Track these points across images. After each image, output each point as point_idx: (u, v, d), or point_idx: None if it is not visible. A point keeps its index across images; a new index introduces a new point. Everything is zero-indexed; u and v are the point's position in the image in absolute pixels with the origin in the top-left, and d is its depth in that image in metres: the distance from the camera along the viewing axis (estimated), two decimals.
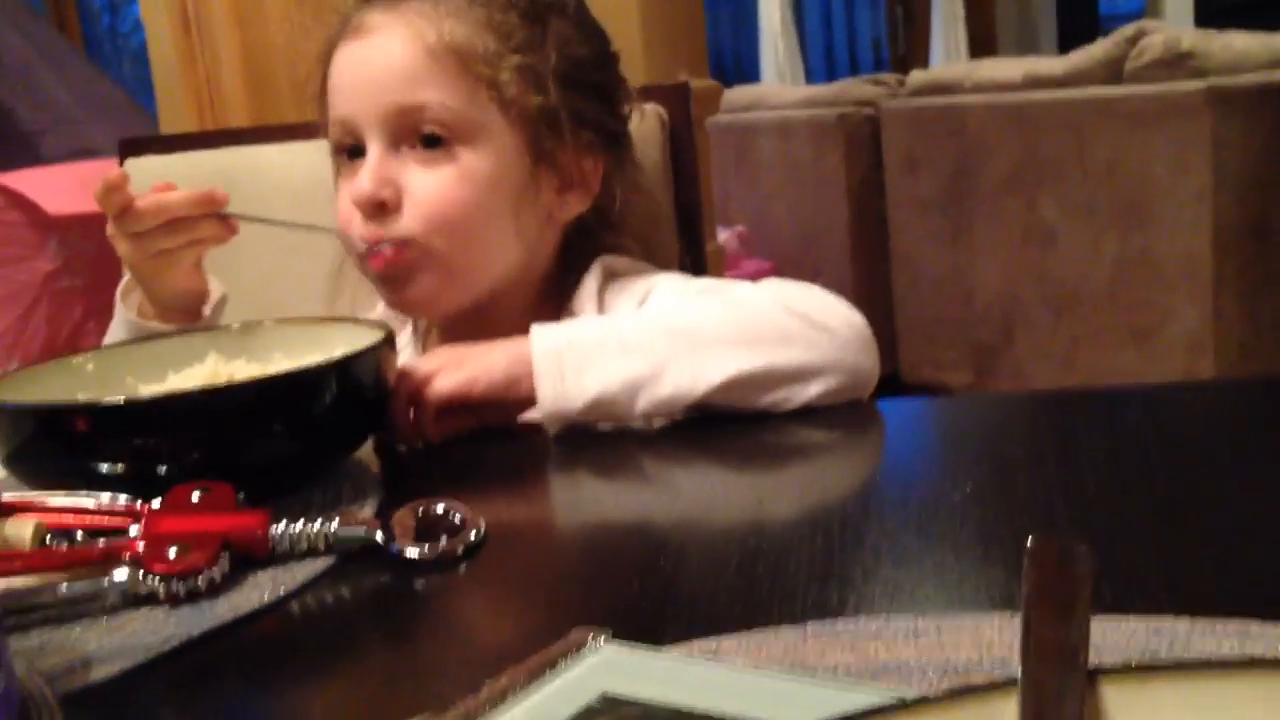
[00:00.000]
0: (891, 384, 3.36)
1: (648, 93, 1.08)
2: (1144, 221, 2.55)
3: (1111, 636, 0.41)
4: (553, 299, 0.99)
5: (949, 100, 3.02)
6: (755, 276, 3.31)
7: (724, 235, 3.49)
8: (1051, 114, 2.73)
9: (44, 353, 1.98)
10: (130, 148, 1.13)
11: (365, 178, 0.87)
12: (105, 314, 2.13)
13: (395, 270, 0.88)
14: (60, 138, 2.02)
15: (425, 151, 0.88)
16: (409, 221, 0.88)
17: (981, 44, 5.99)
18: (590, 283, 0.97)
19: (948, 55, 5.77)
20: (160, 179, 1.12)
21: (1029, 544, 0.35)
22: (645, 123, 1.07)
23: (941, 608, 0.46)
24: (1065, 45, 6.02)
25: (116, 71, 5.08)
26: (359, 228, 0.89)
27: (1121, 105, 2.57)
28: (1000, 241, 2.92)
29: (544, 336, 0.77)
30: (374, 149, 0.88)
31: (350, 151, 0.91)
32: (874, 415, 0.75)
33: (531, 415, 0.77)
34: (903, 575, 0.49)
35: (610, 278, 0.98)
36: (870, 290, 3.36)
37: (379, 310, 1.01)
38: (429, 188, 0.88)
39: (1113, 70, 2.62)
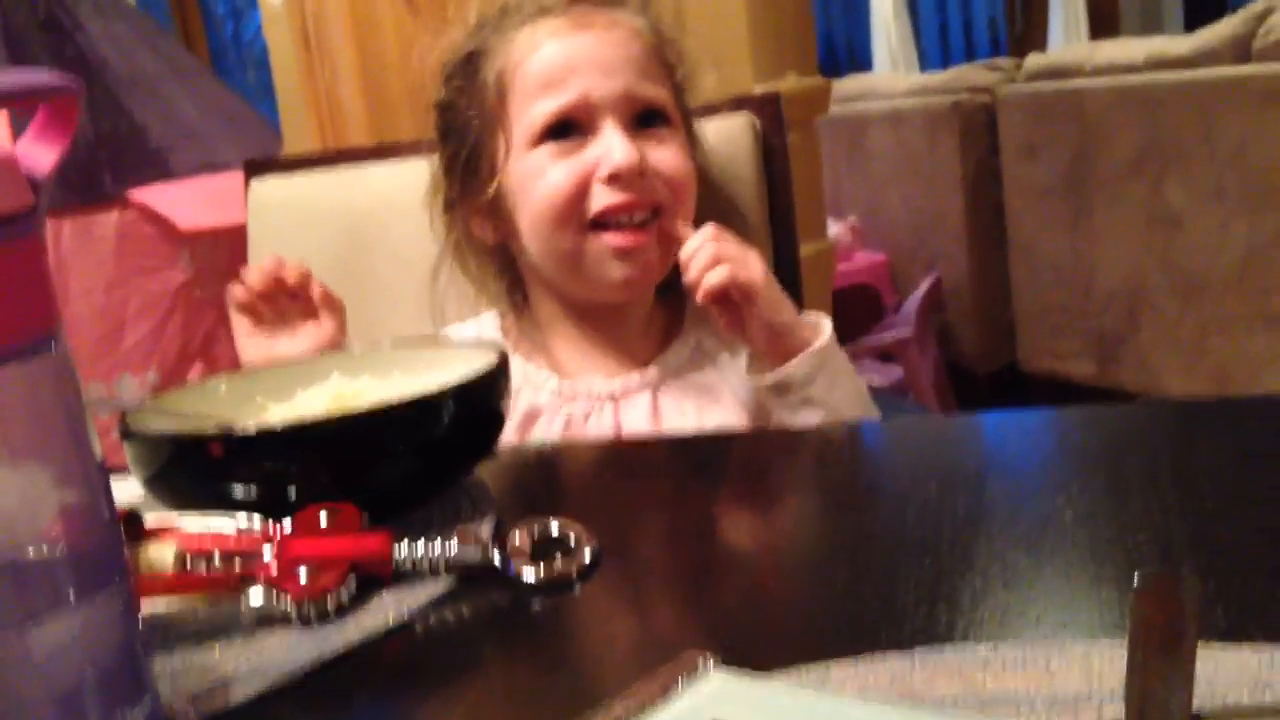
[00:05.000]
0: (1010, 374, 3.30)
1: (740, 103, 1.10)
2: (1276, 204, 2.46)
3: (1225, 667, 0.40)
4: (664, 303, 1.02)
5: (1068, 84, 2.95)
6: (869, 269, 3.27)
7: (836, 228, 3.47)
8: (1176, 96, 2.65)
9: (179, 359, 2.06)
10: (254, 169, 1.18)
11: (625, 149, 0.93)
12: None
13: (645, 240, 0.95)
14: (189, 152, 2.10)
15: (649, 130, 0.96)
16: (658, 189, 0.95)
17: (1103, 21, 5.82)
18: None
19: (1067, 34, 5.63)
20: (283, 200, 1.17)
21: (1137, 579, 0.35)
22: (737, 132, 1.09)
23: (1052, 632, 0.46)
24: (1191, 21, 5.82)
25: (240, 78, 5.24)
26: (603, 198, 0.94)
27: (1251, 85, 2.48)
28: (1123, 227, 2.84)
29: (828, 329, 0.95)
30: (613, 125, 0.94)
31: (556, 131, 0.95)
32: (982, 427, 0.75)
33: (763, 376, 0.94)
34: (1012, 599, 0.49)
35: None
36: (987, 279, 3.31)
37: (481, 324, 1.04)
38: (668, 159, 0.96)
39: (1240, 49, 2.53)
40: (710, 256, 0.92)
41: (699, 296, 0.93)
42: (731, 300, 0.93)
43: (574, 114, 0.94)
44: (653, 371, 1.01)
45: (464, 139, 1.00)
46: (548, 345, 1.03)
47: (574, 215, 0.94)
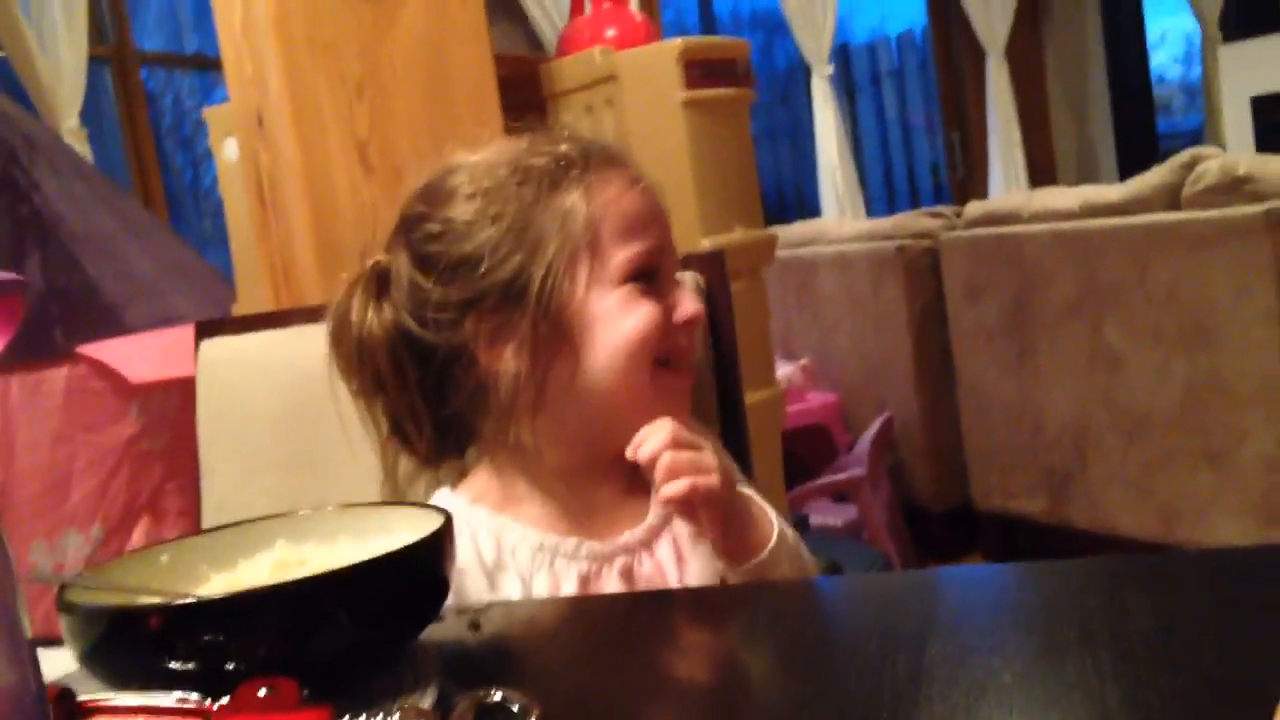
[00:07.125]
0: (964, 512, 3.31)
1: (684, 261, 1.13)
2: (1211, 344, 2.53)
3: None
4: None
5: (1007, 230, 3.04)
6: (821, 409, 3.28)
7: (788, 369, 3.51)
8: (1110, 241, 2.74)
9: (124, 514, 2.03)
10: (206, 330, 1.19)
11: (694, 299, 1.02)
12: (183, 475, 2.18)
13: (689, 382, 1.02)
14: (143, 307, 2.11)
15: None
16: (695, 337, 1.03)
17: (1040, 166, 6.03)
18: None
19: (1007, 180, 5.81)
20: (232, 357, 1.18)
21: None
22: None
23: None
24: (1125, 165, 6.05)
25: (197, 226, 5.29)
26: (680, 339, 1.01)
27: (1181, 230, 2.57)
28: (1066, 368, 2.90)
29: (774, 514, 0.99)
30: (675, 274, 1.02)
31: (634, 276, 1.00)
32: (922, 584, 0.76)
33: (734, 571, 0.96)
34: None
35: None
36: (938, 418, 3.35)
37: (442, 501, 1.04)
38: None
39: (1170, 196, 2.63)
40: (667, 468, 0.93)
41: (660, 500, 0.95)
42: (691, 502, 0.95)
43: (647, 261, 1.00)
44: (656, 506, 1.03)
45: (530, 265, 0.98)
46: (565, 507, 1.02)
47: (654, 351, 1.00)
